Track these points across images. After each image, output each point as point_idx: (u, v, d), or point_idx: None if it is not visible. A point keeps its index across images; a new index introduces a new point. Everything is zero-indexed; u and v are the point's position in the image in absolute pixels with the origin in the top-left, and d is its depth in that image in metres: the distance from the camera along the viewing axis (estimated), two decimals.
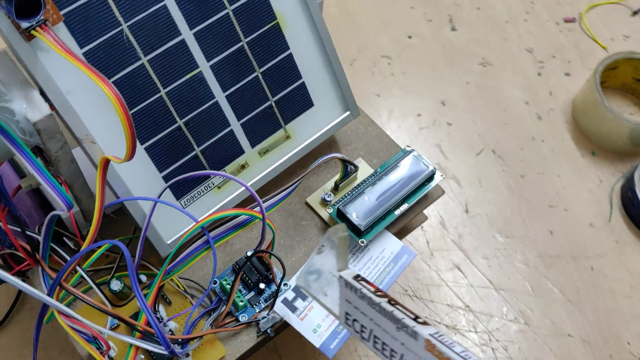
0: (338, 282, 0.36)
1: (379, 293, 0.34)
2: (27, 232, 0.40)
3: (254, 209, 0.45)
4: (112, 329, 0.45)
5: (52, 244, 0.43)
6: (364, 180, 0.53)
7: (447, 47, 0.85)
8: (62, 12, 0.39)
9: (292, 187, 0.48)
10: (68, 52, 0.36)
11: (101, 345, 0.41)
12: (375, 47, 0.85)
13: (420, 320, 0.32)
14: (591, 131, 0.78)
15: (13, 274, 0.42)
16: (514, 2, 0.91)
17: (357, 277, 0.35)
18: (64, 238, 0.47)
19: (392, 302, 0.33)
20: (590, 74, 0.79)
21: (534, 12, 0.90)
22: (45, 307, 0.42)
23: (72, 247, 0.47)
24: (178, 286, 0.48)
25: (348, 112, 0.54)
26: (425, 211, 0.71)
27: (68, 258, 0.43)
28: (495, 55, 0.85)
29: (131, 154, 0.36)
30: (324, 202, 0.53)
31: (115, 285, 0.46)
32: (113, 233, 0.51)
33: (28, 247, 0.40)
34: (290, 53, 0.50)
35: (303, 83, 0.51)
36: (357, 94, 0.81)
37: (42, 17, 0.36)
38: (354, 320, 0.36)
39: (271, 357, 0.62)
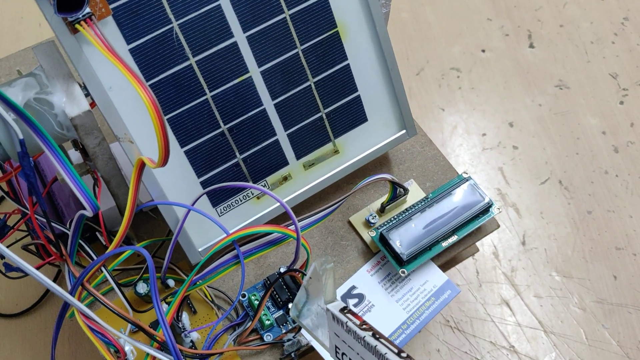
0: (326, 315, 0.35)
1: (364, 326, 0.33)
2: (55, 226, 0.39)
3: (290, 227, 0.43)
4: (133, 332, 0.44)
5: (81, 241, 0.42)
6: (413, 205, 0.50)
7: (522, 65, 0.80)
8: (111, 7, 0.37)
9: (332, 207, 0.46)
10: (109, 49, 0.34)
11: (117, 351, 0.40)
12: (446, 58, 0.80)
13: (403, 355, 0.31)
14: None
15: (40, 267, 0.42)
16: (602, 21, 0.84)
17: (344, 310, 0.34)
18: (97, 233, 0.46)
19: (376, 335, 0.33)
20: None
21: (624, 34, 0.83)
22: (67, 303, 0.41)
23: (103, 243, 0.45)
24: (206, 295, 0.46)
25: (404, 131, 0.51)
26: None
27: (94, 257, 0.42)
28: (574, 78, 0.79)
29: (164, 161, 0.34)
30: (368, 224, 0.50)
31: (142, 288, 0.44)
32: (149, 231, 0.50)
33: (54, 241, 0.40)
34: (348, 64, 0.47)
35: (358, 96, 0.48)
36: (420, 106, 0.78)
37: (87, 11, 0.35)
38: (343, 353, 0.35)
39: None
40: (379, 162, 0.54)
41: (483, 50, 0.81)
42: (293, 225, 0.42)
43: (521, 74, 0.79)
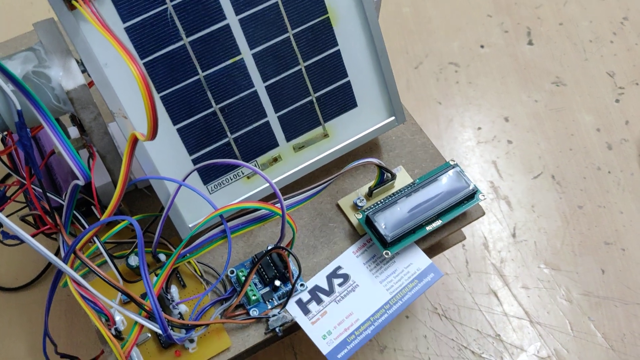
0: None
1: None
2: (51, 197, 0.41)
3: (276, 204, 0.44)
4: (124, 303, 0.46)
5: (76, 212, 0.44)
6: (400, 190, 0.51)
7: (520, 62, 0.81)
8: None
9: (319, 188, 0.47)
10: (104, 26, 0.36)
11: (108, 319, 0.42)
12: (444, 53, 0.82)
13: None
14: None
15: (35, 235, 0.43)
16: (602, 20, 0.85)
17: None
18: (92, 207, 0.47)
19: None
20: None
21: (622, 34, 0.84)
22: (60, 271, 0.42)
23: (98, 217, 0.47)
24: (195, 270, 0.48)
25: (393, 118, 0.52)
26: (469, 230, 0.68)
27: (87, 227, 0.44)
28: (571, 76, 0.80)
29: (152, 134, 0.36)
30: (355, 207, 0.52)
31: (133, 260, 0.46)
32: (142, 208, 0.52)
33: (50, 211, 0.41)
34: (338, 50, 0.48)
35: (348, 82, 0.50)
36: (417, 98, 0.79)
37: None
38: None
39: (286, 353, 0.61)
40: (369, 148, 0.55)
41: (482, 46, 0.82)
42: (279, 203, 0.44)
43: (519, 70, 0.81)
